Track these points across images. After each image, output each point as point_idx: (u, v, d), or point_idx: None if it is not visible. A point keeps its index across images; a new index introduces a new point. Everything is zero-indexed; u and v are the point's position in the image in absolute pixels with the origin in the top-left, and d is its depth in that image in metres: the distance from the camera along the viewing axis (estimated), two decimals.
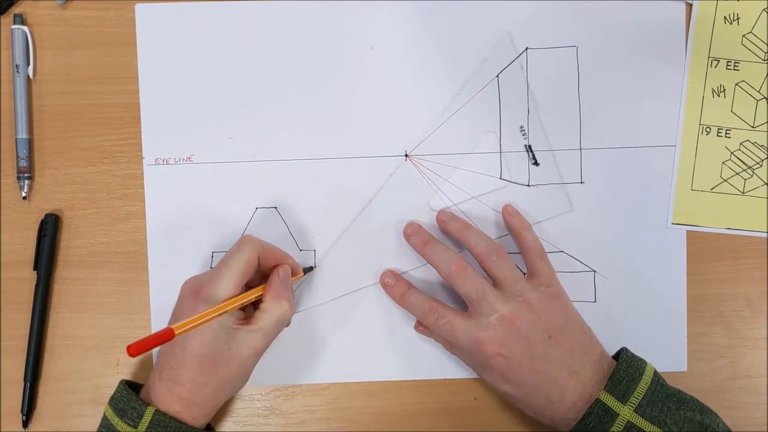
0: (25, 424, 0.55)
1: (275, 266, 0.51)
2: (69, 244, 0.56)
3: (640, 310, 0.56)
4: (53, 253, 0.55)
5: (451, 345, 0.54)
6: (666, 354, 0.56)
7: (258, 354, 0.49)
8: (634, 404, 0.47)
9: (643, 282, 0.56)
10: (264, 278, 0.51)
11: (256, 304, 0.50)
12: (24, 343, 0.55)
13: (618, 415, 0.46)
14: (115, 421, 0.47)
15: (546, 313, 0.50)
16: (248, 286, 0.50)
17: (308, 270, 0.55)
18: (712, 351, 0.56)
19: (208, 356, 0.47)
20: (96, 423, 0.49)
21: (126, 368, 0.55)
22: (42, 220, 0.55)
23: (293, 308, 0.50)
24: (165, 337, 0.42)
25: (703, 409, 0.48)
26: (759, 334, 0.56)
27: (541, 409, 0.49)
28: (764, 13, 0.56)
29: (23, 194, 0.55)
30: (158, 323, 0.55)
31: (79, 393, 0.55)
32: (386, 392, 0.56)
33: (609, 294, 0.56)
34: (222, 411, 0.55)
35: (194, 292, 0.48)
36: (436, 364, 0.55)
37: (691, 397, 0.49)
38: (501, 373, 0.49)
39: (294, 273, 0.52)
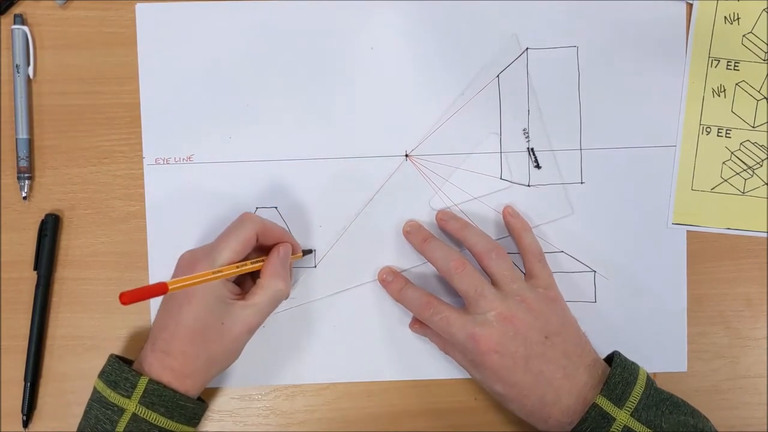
0: (26, 424, 0.55)
1: (275, 244, 0.51)
2: (69, 244, 0.56)
3: (640, 310, 0.56)
4: (53, 253, 0.55)
5: (445, 344, 0.54)
6: (666, 354, 0.56)
7: (251, 331, 0.49)
8: (631, 408, 0.47)
9: (643, 282, 0.56)
10: (261, 254, 0.51)
11: (251, 281, 0.51)
12: (24, 343, 0.55)
13: (615, 419, 0.46)
14: (107, 392, 0.47)
15: (543, 314, 0.50)
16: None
17: (307, 252, 0.55)
18: (712, 351, 0.56)
19: (200, 330, 0.47)
20: None
21: None
22: (42, 220, 0.55)
23: (289, 288, 0.51)
24: (158, 290, 0.41)
25: (695, 413, 0.49)
26: (759, 334, 0.57)
27: (534, 411, 0.49)
28: (764, 13, 0.56)
29: (23, 194, 0.55)
30: None
31: (79, 393, 0.55)
32: (386, 392, 0.56)
33: (609, 294, 0.56)
34: (222, 411, 0.55)
35: (190, 264, 0.48)
36: (436, 364, 0.55)
37: (683, 400, 0.49)
38: (494, 371, 0.49)
39: (293, 252, 0.52)
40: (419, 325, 0.55)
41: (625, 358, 0.50)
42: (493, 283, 0.51)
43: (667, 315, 0.56)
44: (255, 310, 0.49)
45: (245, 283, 0.52)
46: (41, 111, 0.56)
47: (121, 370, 0.48)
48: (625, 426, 0.46)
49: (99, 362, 0.55)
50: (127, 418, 0.47)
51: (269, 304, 0.49)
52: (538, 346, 0.49)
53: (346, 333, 0.56)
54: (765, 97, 0.56)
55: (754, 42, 0.56)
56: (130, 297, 0.40)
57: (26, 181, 0.55)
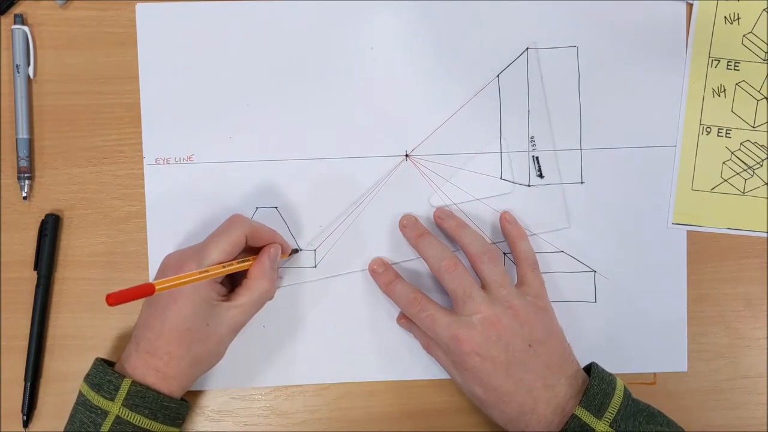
0: (26, 424, 0.55)
1: (264, 245, 0.51)
2: (69, 244, 0.56)
3: (641, 310, 0.56)
4: (53, 253, 0.55)
5: (429, 342, 0.54)
6: (666, 354, 0.56)
7: (235, 331, 0.50)
8: (609, 419, 0.47)
9: (643, 282, 0.56)
10: (249, 255, 0.51)
11: (237, 281, 0.51)
12: (24, 343, 0.55)
13: (594, 430, 0.46)
14: (91, 395, 0.48)
15: (529, 322, 0.49)
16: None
17: (294, 252, 0.55)
18: (712, 351, 0.56)
19: (186, 331, 0.47)
20: None
21: None
22: (42, 220, 0.55)
23: (275, 288, 0.51)
24: (145, 291, 0.41)
25: (670, 423, 0.49)
26: (759, 334, 0.56)
27: (512, 419, 0.49)
28: (764, 13, 0.56)
29: (23, 194, 0.55)
30: None
31: None
32: (386, 392, 0.56)
33: (609, 294, 0.56)
34: (222, 411, 0.55)
35: (178, 264, 0.48)
36: (436, 364, 0.55)
37: (659, 411, 0.49)
38: (475, 373, 0.49)
39: (282, 252, 0.52)
40: (406, 320, 0.55)
41: (603, 369, 0.50)
42: (483, 286, 0.51)
43: (667, 315, 0.56)
44: (240, 311, 0.49)
45: (232, 283, 0.52)
46: (41, 111, 0.56)
47: (104, 372, 0.48)
48: None
49: None
50: (111, 421, 0.47)
51: (254, 304, 0.50)
52: (520, 354, 0.49)
53: (346, 333, 0.56)
54: (765, 97, 0.56)
55: (754, 42, 0.56)
56: (117, 298, 0.39)
57: (26, 181, 0.55)
